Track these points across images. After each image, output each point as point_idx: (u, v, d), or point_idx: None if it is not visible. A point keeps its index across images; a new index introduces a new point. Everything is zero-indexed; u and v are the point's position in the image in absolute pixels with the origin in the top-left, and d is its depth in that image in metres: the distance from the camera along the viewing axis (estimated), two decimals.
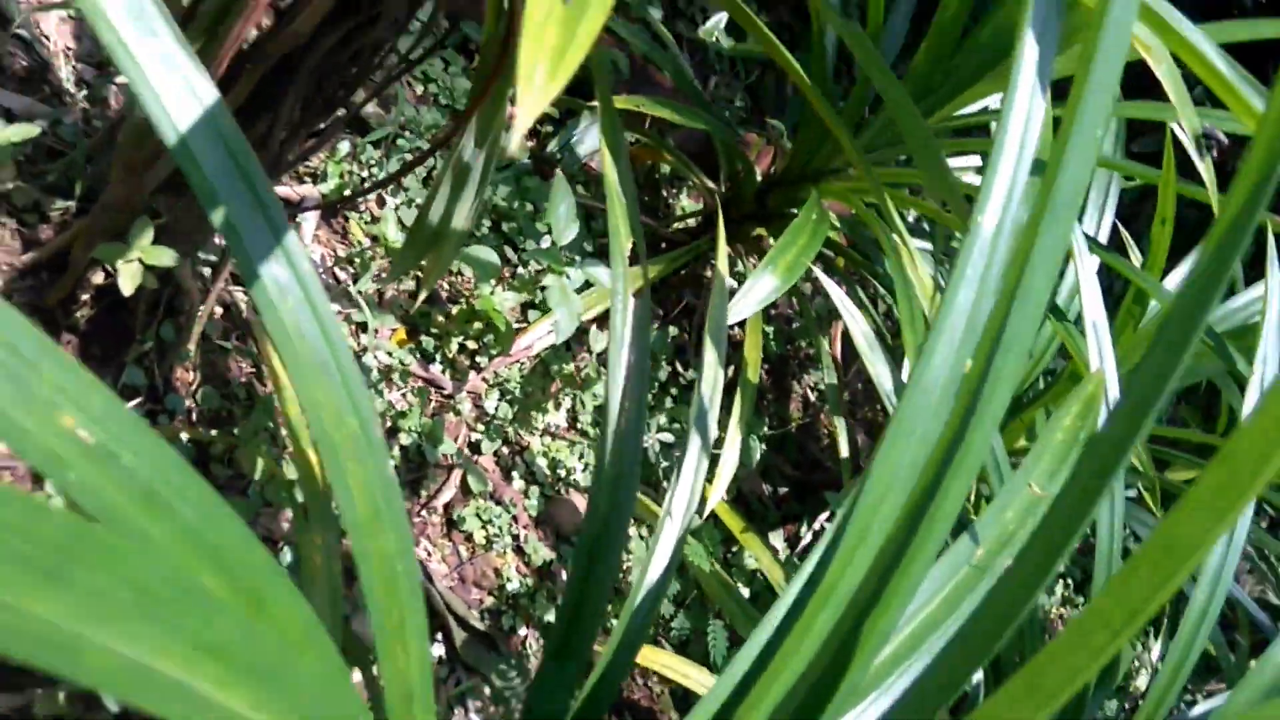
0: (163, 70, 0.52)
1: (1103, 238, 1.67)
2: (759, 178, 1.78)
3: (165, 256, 0.97)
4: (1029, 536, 0.76)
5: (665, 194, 2.01)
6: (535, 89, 0.33)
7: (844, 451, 1.57)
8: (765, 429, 1.80)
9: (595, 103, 1.53)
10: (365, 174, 1.40)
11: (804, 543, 1.73)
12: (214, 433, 1.13)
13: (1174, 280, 1.67)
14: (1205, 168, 0.75)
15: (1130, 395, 0.53)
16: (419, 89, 1.59)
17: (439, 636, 1.26)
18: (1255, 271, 1.50)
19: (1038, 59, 0.56)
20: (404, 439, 1.29)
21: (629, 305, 0.84)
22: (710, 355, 0.98)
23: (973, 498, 1.59)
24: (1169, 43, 0.64)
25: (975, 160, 1.65)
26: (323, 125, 0.96)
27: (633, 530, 1.55)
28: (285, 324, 0.57)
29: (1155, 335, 0.52)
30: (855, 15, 2.05)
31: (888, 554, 0.63)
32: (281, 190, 1.24)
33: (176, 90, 0.52)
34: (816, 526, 1.75)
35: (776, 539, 1.74)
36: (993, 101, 1.55)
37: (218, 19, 0.74)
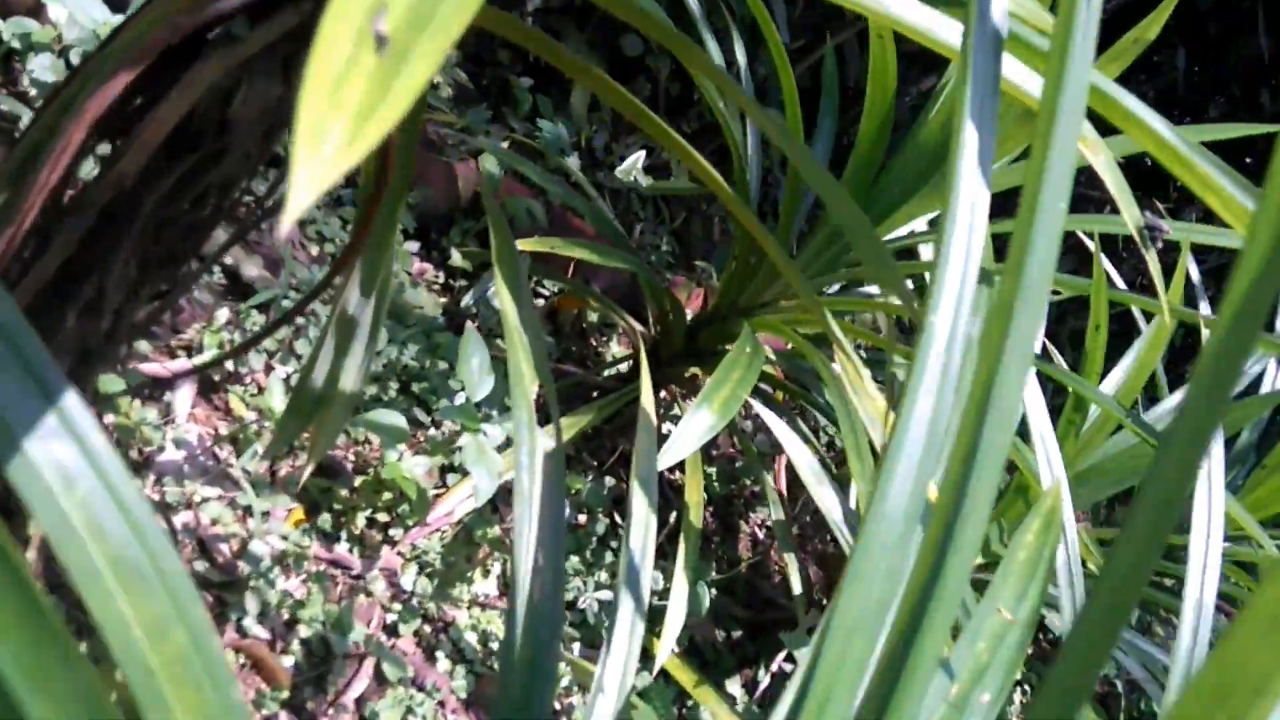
0: None
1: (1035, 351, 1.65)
2: (688, 317, 1.71)
3: None
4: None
5: (594, 342, 1.94)
6: (322, 157, 0.23)
7: (796, 588, 1.47)
8: (714, 574, 1.68)
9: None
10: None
11: (762, 686, 1.60)
12: None
13: (1110, 385, 1.63)
14: (1152, 259, 0.70)
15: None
16: (314, 249, 1.49)
17: None
18: None
19: (978, 147, 0.48)
20: (304, 631, 1.15)
21: (538, 462, 0.73)
22: (639, 504, 0.87)
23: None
24: (1140, 138, 0.57)
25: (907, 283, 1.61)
26: (169, 283, 0.86)
27: (576, 699, 1.41)
28: (74, 522, 0.45)
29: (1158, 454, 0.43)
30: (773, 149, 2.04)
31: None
32: (148, 367, 1.12)
33: None
34: (774, 668, 1.63)
35: (734, 685, 1.61)
36: (919, 224, 1.53)
37: (23, 166, 0.64)
